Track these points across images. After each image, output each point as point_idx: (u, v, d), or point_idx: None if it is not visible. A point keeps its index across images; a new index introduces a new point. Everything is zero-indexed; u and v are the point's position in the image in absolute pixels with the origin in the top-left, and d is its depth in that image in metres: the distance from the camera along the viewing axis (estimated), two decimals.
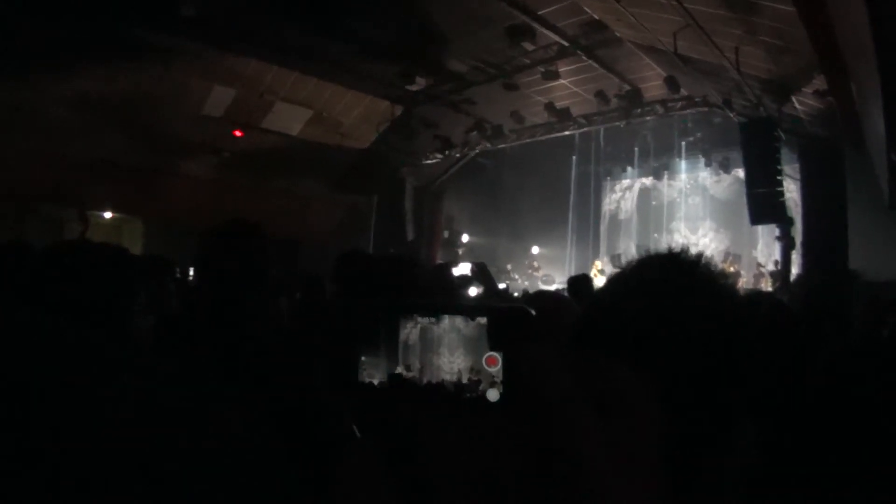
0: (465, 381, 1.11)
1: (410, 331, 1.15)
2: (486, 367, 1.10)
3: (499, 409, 1.08)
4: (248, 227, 2.43)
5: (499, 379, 1.10)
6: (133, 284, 3.10)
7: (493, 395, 1.09)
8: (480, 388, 1.09)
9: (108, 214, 15.18)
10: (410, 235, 18.57)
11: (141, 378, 0.60)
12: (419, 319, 1.15)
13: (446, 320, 1.15)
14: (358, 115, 15.57)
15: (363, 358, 1.17)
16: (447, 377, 1.12)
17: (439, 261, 20.09)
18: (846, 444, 1.94)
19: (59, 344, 0.59)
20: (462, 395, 1.09)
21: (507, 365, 1.08)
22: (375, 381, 1.17)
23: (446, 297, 4.17)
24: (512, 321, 1.09)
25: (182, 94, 13.05)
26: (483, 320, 1.11)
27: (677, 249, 1.20)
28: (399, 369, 1.15)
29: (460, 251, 21.12)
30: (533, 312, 1.10)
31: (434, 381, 1.12)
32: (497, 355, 1.09)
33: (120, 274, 2.86)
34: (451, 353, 1.13)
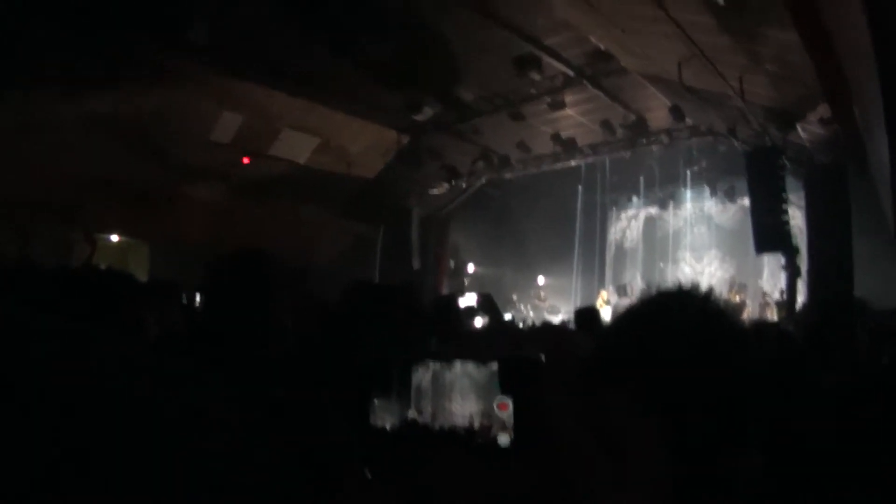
0: (476, 425, 1.13)
1: (423, 375, 1.17)
2: (497, 413, 1.12)
3: (510, 454, 1.10)
4: (255, 255, 2.42)
5: (509, 424, 1.11)
6: (137, 311, 3.12)
7: (503, 439, 1.11)
8: (491, 432, 1.11)
9: (114, 237, 15.22)
10: (416, 265, 18.55)
11: (147, 381, 0.61)
12: (431, 365, 1.17)
13: (458, 365, 1.17)
14: (365, 144, 15.64)
15: (376, 402, 1.19)
16: (459, 421, 1.13)
17: (445, 290, 20.07)
18: (848, 475, 1.94)
19: (62, 343, 0.59)
20: (474, 440, 1.11)
21: (518, 411, 1.10)
22: (388, 426, 1.19)
23: (453, 326, 4.18)
24: (522, 368, 1.11)
25: (190, 119, 13.14)
26: (494, 366, 1.14)
27: (686, 285, 1.20)
28: (411, 413, 1.17)
29: (466, 281, 21.08)
30: (542, 358, 1.12)
31: (446, 425, 1.14)
32: (508, 401, 1.11)
33: (124, 301, 2.88)
34: (462, 397, 1.15)
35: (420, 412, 1.18)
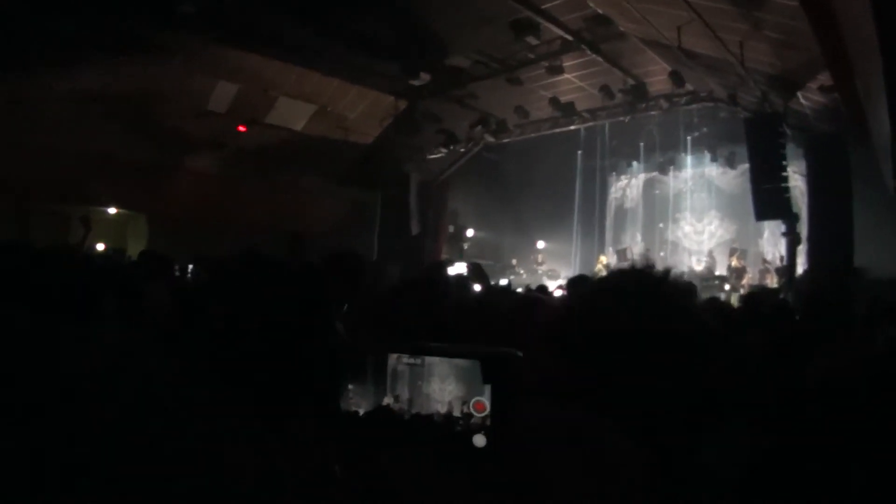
0: (455, 412, 1.10)
1: (399, 359, 1.14)
2: (474, 412, 1.09)
3: (484, 455, 1.06)
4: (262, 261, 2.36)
5: (486, 423, 1.08)
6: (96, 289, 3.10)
7: (479, 440, 1.08)
8: (472, 421, 1.08)
9: (112, 210, 15.20)
10: (415, 230, 18.53)
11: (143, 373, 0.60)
12: (407, 359, 1.14)
13: (435, 361, 1.13)
14: (362, 111, 15.55)
15: (350, 386, 1.16)
16: (438, 407, 1.10)
17: (444, 255, 20.10)
18: (837, 450, 1.92)
19: (55, 338, 0.59)
20: (452, 428, 1.08)
21: (495, 414, 1.06)
22: (361, 411, 1.15)
23: (442, 295, 4.16)
24: (500, 365, 1.08)
25: (186, 90, 13.05)
26: (472, 362, 1.10)
27: (643, 265, 1.19)
28: (387, 399, 1.14)
29: (465, 245, 21.08)
30: (520, 355, 1.08)
31: (423, 411, 1.11)
32: (485, 401, 1.08)
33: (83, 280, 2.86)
34: (442, 381, 1.11)
35: (397, 398, 1.15)
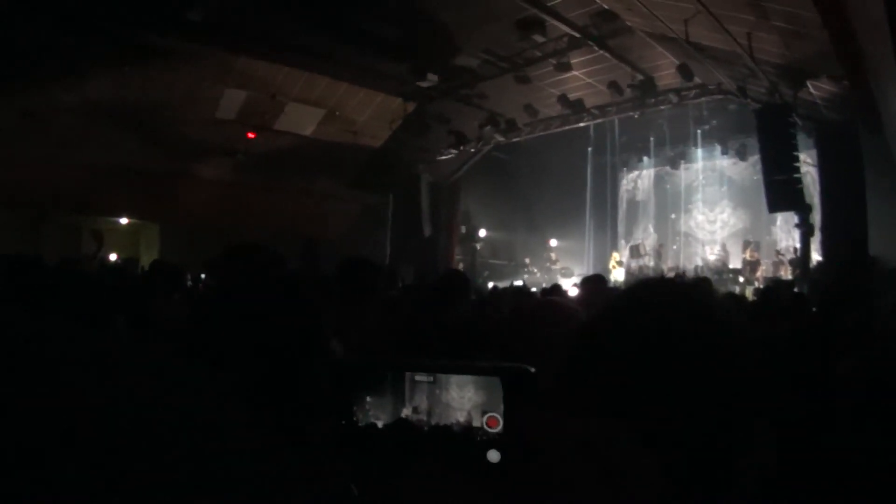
0: (476, 423, 1.10)
1: (405, 385, 1.14)
2: (487, 429, 1.09)
3: (499, 470, 1.06)
4: (253, 252, 2.38)
5: (499, 439, 1.09)
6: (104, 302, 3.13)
7: (493, 455, 1.08)
8: (481, 447, 1.08)
9: (124, 221, 15.31)
10: (427, 231, 18.56)
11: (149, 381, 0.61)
12: (416, 376, 1.14)
13: (446, 377, 1.14)
14: (371, 113, 15.57)
15: (368, 398, 1.16)
16: (458, 416, 1.10)
17: (458, 257, 20.13)
18: (868, 445, 1.90)
19: (63, 345, 0.60)
20: (471, 441, 1.08)
21: (509, 429, 1.07)
22: (380, 424, 1.16)
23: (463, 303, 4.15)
24: (513, 380, 1.08)
25: (194, 98, 13.12)
26: (484, 378, 1.10)
27: (673, 275, 1.17)
28: (406, 412, 1.14)
29: (478, 246, 21.10)
30: (532, 370, 1.08)
31: (444, 422, 1.11)
32: (498, 416, 1.08)
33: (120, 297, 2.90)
34: (460, 388, 1.12)
35: (416, 410, 1.16)
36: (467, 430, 1.08)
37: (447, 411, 1.10)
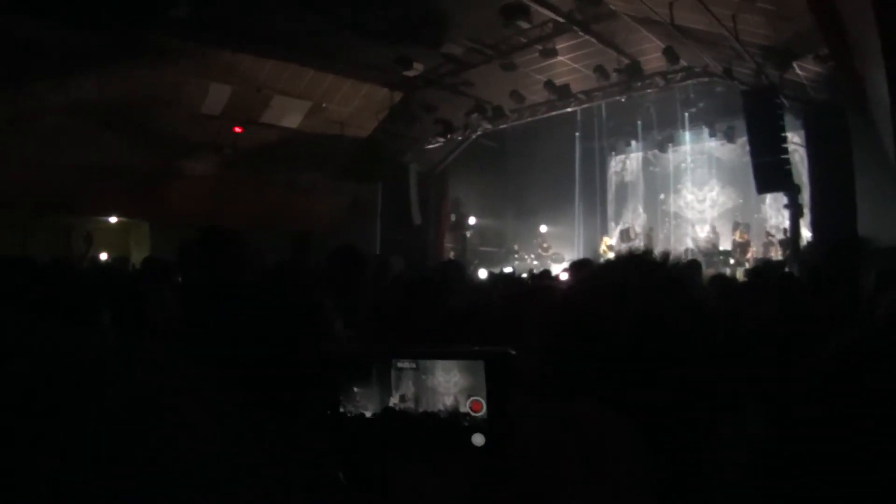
0: (461, 408, 1.10)
1: (393, 371, 1.14)
2: (472, 413, 1.09)
3: (483, 454, 1.06)
4: (220, 236, 2.37)
5: (483, 423, 1.08)
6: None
7: (478, 439, 1.08)
8: (465, 431, 1.08)
9: (113, 220, 15.23)
10: (417, 221, 18.56)
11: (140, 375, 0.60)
12: (401, 362, 1.14)
13: (431, 362, 1.14)
14: (357, 104, 15.52)
15: (355, 389, 1.16)
16: (444, 401, 1.10)
17: (448, 245, 20.14)
18: (855, 426, 1.90)
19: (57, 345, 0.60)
20: (458, 424, 1.08)
21: (493, 412, 1.06)
22: (368, 413, 1.15)
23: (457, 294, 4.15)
24: (495, 363, 1.08)
25: (179, 94, 13.04)
26: (467, 362, 1.10)
27: (641, 251, 1.18)
28: (393, 400, 1.14)
29: (468, 234, 21.12)
30: (513, 353, 1.08)
31: (431, 408, 1.11)
32: (481, 400, 1.08)
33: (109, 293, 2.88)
34: (445, 373, 1.11)
35: (403, 398, 1.16)
36: (453, 415, 1.08)
37: (433, 397, 1.10)
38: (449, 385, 1.10)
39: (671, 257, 1.18)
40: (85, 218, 13.76)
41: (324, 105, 15.02)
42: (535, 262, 19.90)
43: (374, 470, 1.07)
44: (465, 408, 1.08)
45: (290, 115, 15.08)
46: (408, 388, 1.12)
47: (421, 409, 1.10)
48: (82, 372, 0.57)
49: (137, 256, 11.16)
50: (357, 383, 1.15)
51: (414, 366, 1.11)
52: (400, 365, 1.11)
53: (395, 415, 1.10)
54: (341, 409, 1.14)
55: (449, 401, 1.10)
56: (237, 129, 14.70)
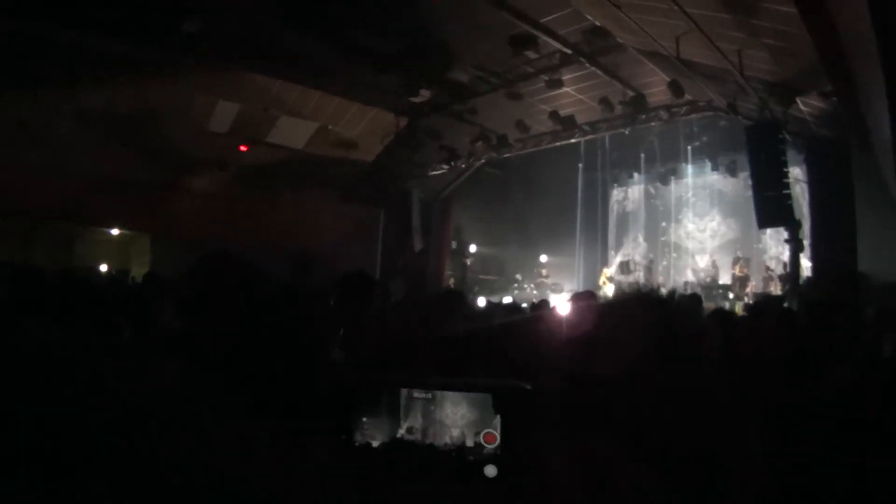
0: (469, 441, 1.11)
1: (410, 401, 1.15)
2: (484, 444, 1.10)
3: (496, 485, 1.07)
4: (221, 262, 2.35)
5: (497, 455, 1.10)
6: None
7: (490, 471, 1.09)
8: (483, 452, 1.09)
9: (115, 231, 15.24)
10: (418, 247, 18.56)
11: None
12: (417, 393, 1.15)
13: (446, 394, 1.15)
14: (363, 128, 15.62)
15: (364, 418, 1.16)
16: (455, 432, 1.11)
17: (448, 272, 20.11)
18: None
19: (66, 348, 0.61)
20: (464, 459, 1.09)
21: (506, 444, 1.08)
22: (375, 443, 1.16)
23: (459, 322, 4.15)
24: (509, 397, 1.09)
25: (187, 110, 13.12)
26: (482, 395, 1.12)
27: (647, 289, 1.20)
28: (401, 431, 1.15)
29: (468, 261, 21.10)
30: (528, 388, 1.09)
31: (438, 441, 1.12)
32: (495, 433, 1.10)
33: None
34: (454, 411, 1.13)
35: (410, 430, 1.17)
36: (464, 445, 1.09)
37: (443, 428, 1.11)
38: (459, 417, 1.11)
39: (676, 293, 1.20)
40: (87, 229, 13.79)
41: (330, 127, 15.12)
42: (534, 291, 19.88)
43: (385, 497, 1.08)
44: (476, 439, 1.09)
45: (295, 136, 15.16)
46: (416, 419, 1.13)
47: (431, 439, 1.10)
48: (106, 380, 0.58)
49: (138, 269, 11.16)
50: (368, 410, 1.15)
51: (429, 396, 1.12)
52: (415, 395, 1.12)
53: (404, 444, 1.10)
54: (353, 436, 1.15)
55: (459, 432, 1.11)
56: (243, 148, 14.78)
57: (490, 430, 1.08)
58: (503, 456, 1.08)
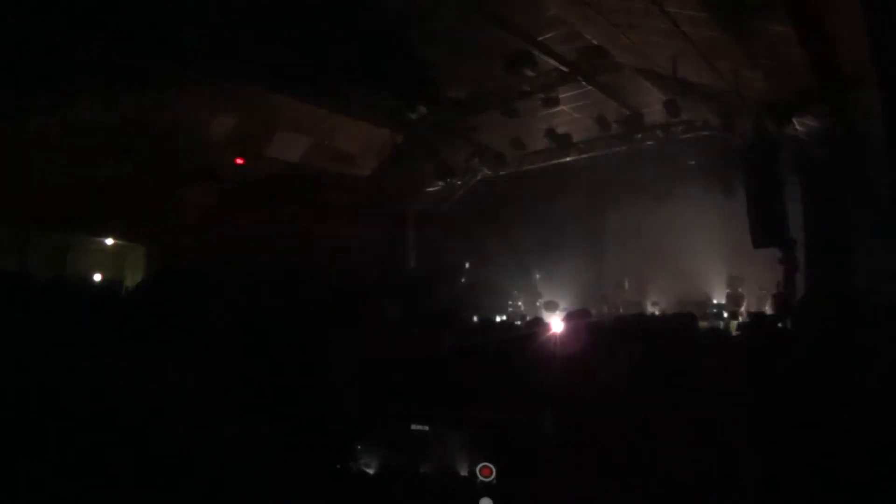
0: (469, 471, 1.10)
1: (408, 424, 1.14)
2: (481, 477, 1.09)
3: None
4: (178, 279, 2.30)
5: (492, 487, 1.08)
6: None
7: (486, 503, 1.08)
8: (478, 484, 1.08)
9: (109, 241, 15.18)
10: (412, 263, 18.54)
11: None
12: (409, 428, 1.14)
13: (438, 430, 1.14)
14: (359, 144, 15.62)
15: (363, 445, 1.15)
16: (451, 464, 1.10)
17: (442, 289, 20.03)
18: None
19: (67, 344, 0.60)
20: (465, 486, 1.08)
21: (502, 478, 1.06)
22: (370, 472, 1.15)
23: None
24: (505, 432, 1.08)
25: (184, 123, 13.10)
26: (475, 431, 1.11)
27: (638, 313, 1.19)
28: (397, 461, 1.13)
29: (463, 279, 21.04)
30: (525, 422, 1.08)
31: (436, 470, 1.11)
32: (491, 466, 1.08)
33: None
34: (451, 438, 1.11)
35: (401, 468, 1.14)
36: (458, 477, 1.08)
37: (440, 459, 1.09)
38: (453, 449, 1.10)
39: (669, 314, 1.19)
40: (82, 238, 13.73)
41: (326, 142, 15.11)
42: (528, 310, 19.82)
43: None
44: (472, 472, 1.07)
45: (292, 150, 15.15)
46: (412, 449, 1.12)
47: (427, 470, 1.09)
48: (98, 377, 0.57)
49: (131, 280, 11.10)
50: (365, 441, 1.14)
51: (425, 428, 1.11)
52: (412, 427, 1.11)
53: (401, 474, 1.09)
54: (349, 465, 1.14)
55: (456, 464, 1.09)
56: (239, 161, 14.75)
57: (486, 464, 1.07)
58: (499, 489, 1.07)
